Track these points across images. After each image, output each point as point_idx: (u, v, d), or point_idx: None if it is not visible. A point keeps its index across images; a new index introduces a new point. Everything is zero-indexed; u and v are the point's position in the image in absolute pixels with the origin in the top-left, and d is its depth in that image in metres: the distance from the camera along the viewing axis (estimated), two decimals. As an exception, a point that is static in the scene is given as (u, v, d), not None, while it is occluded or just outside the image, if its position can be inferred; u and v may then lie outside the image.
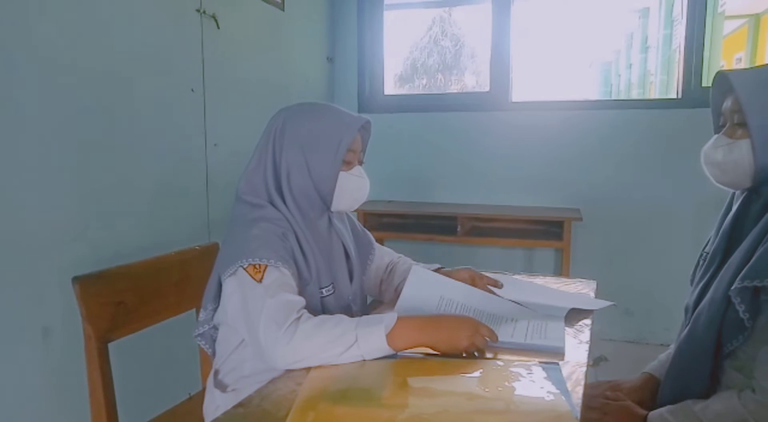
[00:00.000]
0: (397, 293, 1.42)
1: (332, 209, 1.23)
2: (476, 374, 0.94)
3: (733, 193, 1.16)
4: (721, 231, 1.13)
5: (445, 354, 1.00)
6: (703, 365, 1.05)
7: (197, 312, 1.43)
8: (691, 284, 1.21)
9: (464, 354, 1.01)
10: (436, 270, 1.39)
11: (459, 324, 1.03)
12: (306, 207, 1.18)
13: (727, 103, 1.09)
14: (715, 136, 1.13)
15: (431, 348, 1.00)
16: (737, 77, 1.06)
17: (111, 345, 1.21)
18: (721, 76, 1.11)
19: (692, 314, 1.12)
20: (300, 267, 1.13)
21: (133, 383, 1.55)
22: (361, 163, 1.26)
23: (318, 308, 1.17)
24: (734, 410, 0.96)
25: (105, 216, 1.74)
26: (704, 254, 1.19)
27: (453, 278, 1.32)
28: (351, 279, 1.29)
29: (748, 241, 1.02)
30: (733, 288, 0.99)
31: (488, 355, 1.01)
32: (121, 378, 1.25)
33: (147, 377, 1.86)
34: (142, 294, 1.30)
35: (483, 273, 1.39)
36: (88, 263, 1.53)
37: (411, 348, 1.00)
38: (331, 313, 1.17)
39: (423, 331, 1.00)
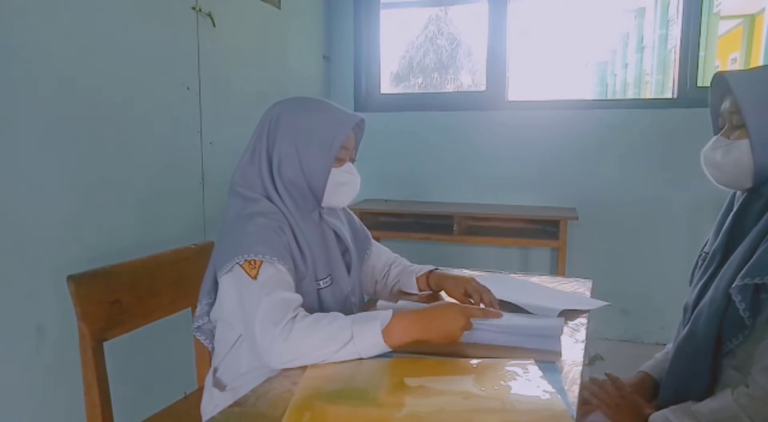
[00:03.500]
0: (392, 293, 1.43)
1: (323, 205, 1.24)
2: (472, 373, 0.94)
3: (734, 193, 1.17)
4: (722, 231, 1.13)
5: (444, 354, 1.00)
6: (703, 363, 1.05)
7: (193, 311, 1.43)
8: (690, 284, 1.21)
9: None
10: (430, 273, 1.39)
11: (452, 314, 1.03)
12: (299, 199, 1.19)
13: (726, 105, 1.10)
14: (714, 137, 1.13)
15: (427, 341, 1.01)
16: (735, 78, 1.06)
17: (106, 344, 1.20)
18: (719, 78, 1.12)
19: (692, 313, 1.12)
20: (296, 260, 1.14)
21: (129, 382, 1.54)
22: (353, 160, 1.27)
23: (315, 301, 1.17)
24: (727, 406, 0.97)
25: (100, 214, 1.74)
26: (703, 254, 1.20)
27: (450, 287, 1.33)
28: (348, 272, 1.29)
29: (749, 240, 1.02)
30: (733, 286, 0.99)
31: (486, 354, 1.01)
32: (116, 377, 1.25)
33: (142, 376, 1.85)
34: (138, 293, 1.29)
35: (481, 273, 1.38)
36: (82, 261, 1.52)
37: (407, 343, 1.00)
38: (329, 306, 1.18)
39: (417, 325, 1.00)
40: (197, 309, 1.21)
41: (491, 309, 1.15)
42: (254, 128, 1.24)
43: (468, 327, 1.02)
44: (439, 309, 1.05)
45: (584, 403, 1.15)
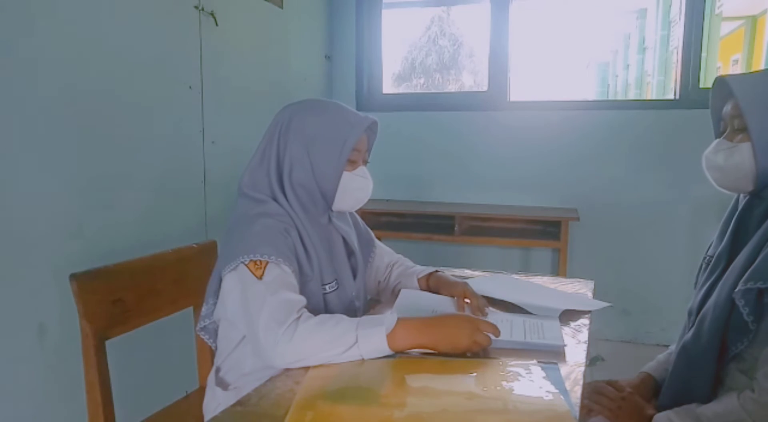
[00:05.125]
0: (395, 294, 1.43)
1: (334, 208, 1.23)
2: (475, 373, 0.94)
3: (738, 197, 1.17)
4: (726, 234, 1.13)
5: (446, 354, 1.00)
6: (707, 367, 1.05)
7: (195, 310, 1.43)
8: (695, 287, 1.21)
9: (468, 355, 1.00)
10: (432, 274, 1.40)
11: (459, 323, 1.02)
12: (308, 203, 1.18)
13: (727, 108, 1.10)
14: (716, 140, 1.13)
15: (432, 349, 1.00)
16: (737, 82, 1.06)
17: (108, 343, 1.20)
18: (721, 81, 1.11)
19: (696, 317, 1.12)
20: (302, 263, 1.13)
21: (130, 381, 1.54)
22: (365, 162, 1.26)
23: (320, 304, 1.17)
24: (733, 410, 0.97)
25: (102, 213, 1.74)
26: (707, 257, 1.19)
27: (446, 292, 1.34)
28: (354, 276, 1.29)
29: (752, 244, 1.02)
30: (736, 290, 0.99)
31: (488, 355, 1.01)
32: (118, 376, 1.25)
33: (144, 375, 1.85)
34: (140, 292, 1.29)
35: (480, 276, 1.37)
36: (84, 260, 1.52)
37: (411, 348, 1.00)
38: (334, 310, 1.18)
39: (423, 332, 1.00)
40: (203, 309, 1.20)
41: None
42: (261, 129, 1.23)
43: (476, 338, 0.99)
44: (447, 319, 1.04)
45: (586, 410, 1.14)
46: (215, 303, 1.17)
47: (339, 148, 1.15)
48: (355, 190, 1.22)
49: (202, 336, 1.24)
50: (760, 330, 0.98)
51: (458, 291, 1.30)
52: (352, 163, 1.20)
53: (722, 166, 1.09)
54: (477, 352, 1.01)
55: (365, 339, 0.96)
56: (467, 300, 1.27)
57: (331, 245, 1.24)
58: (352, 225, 1.37)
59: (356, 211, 1.39)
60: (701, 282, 1.17)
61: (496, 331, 1.02)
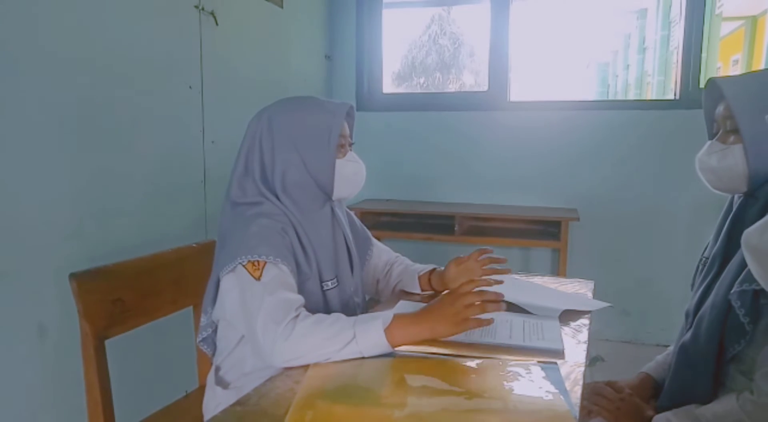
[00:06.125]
0: (394, 293, 1.43)
1: (334, 197, 1.24)
2: (475, 373, 0.94)
3: (732, 197, 1.17)
4: (720, 235, 1.13)
5: (452, 342, 1.00)
6: (705, 369, 1.05)
7: (194, 310, 1.43)
8: (692, 289, 1.21)
9: (474, 350, 1.00)
10: (431, 272, 1.40)
11: (450, 301, 1.03)
12: (303, 201, 1.18)
13: (719, 110, 1.11)
14: (709, 142, 1.14)
15: (432, 336, 1.00)
16: (728, 84, 1.07)
17: (107, 342, 1.20)
18: (712, 83, 1.12)
19: (693, 319, 1.12)
20: (300, 262, 1.13)
21: (130, 380, 1.54)
22: (350, 146, 1.27)
23: (320, 302, 1.17)
24: (732, 411, 0.97)
25: (102, 212, 1.74)
26: (703, 259, 1.20)
27: (444, 276, 1.35)
28: (352, 271, 1.30)
29: None
30: (732, 292, 0.99)
31: (488, 354, 1.01)
32: (117, 376, 1.25)
33: (144, 374, 1.85)
34: (140, 292, 1.29)
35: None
36: (84, 260, 1.52)
37: (410, 343, 1.00)
38: (334, 307, 1.18)
39: (419, 321, 1.01)
40: (202, 319, 1.20)
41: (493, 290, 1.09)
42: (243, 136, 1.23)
43: (473, 308, 1.00)
44: (435, 302, 1.06)
45: (586, 412, 1.14)
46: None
47: (326, 140, 1.17)
48: (351, 174, 1.23)
49: (201, 348, 1.24)
50: (757, 332, 0.98)
51: (453, 271, 1.34)
52: (341, 151, 1.21)
53: (715, 167, 1.10)
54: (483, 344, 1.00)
55: (363, 335, 0.96)
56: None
57: (333, 240, 1.25)
58: (347, 222, 1.38)
59: (355, 211, 1.39)
60: (698, 283, 1.18)
61: (497, 296, 1.04)
